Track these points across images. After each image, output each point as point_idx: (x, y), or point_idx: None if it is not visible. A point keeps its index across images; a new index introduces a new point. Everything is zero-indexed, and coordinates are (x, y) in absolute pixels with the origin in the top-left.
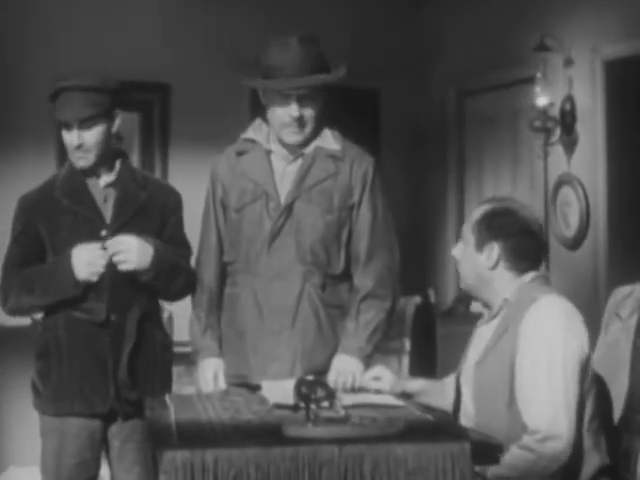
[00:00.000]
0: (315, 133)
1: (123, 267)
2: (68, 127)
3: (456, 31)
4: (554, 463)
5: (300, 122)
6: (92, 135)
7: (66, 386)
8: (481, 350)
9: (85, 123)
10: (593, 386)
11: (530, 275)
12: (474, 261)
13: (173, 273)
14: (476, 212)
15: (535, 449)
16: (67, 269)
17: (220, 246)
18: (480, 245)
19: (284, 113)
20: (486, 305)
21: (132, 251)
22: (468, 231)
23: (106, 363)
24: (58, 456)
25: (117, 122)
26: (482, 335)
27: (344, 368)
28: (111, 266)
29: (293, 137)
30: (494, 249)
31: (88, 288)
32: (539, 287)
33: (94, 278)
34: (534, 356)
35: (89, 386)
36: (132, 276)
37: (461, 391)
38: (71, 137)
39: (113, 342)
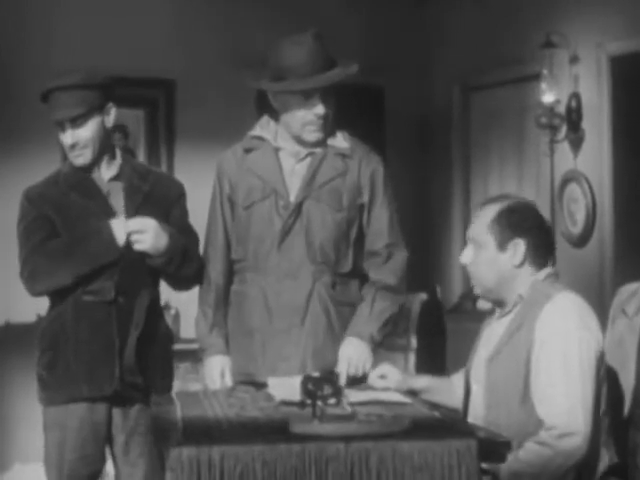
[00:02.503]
0: (331, 130)
1: (138, 247)
2: (61, 127)
3: (461, 28)
4: (570, 460)
5: (325, 119)
6: (85, 132)
7: (73, 371)
8: (493, 346)
9: (77, 121)
10: (605, 383)
11: (544, 272)
12: (496, 262)
13: (185, 260)
14: (487, 212)
15: (552, 445)
16: (109, 233)
17: (227, 243)
18: (503, 244)
19: (308, 112)
20: (499, 304)
21: (149, 233)
22: (483, 233)
23: (113, 345)
24: (61, 449)
25: (112, 116)
26: (493, 331)
27: (356, 354)
28: (125, 247)
29: (315, 135)
30: (519, 245)
31: (101, 268)
32: (552, 284)
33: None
34: (550, 352)
35: (97, 368)
36: (144, 260)
37: (470, 388)
38: (65, 137)
39: (120, 325)
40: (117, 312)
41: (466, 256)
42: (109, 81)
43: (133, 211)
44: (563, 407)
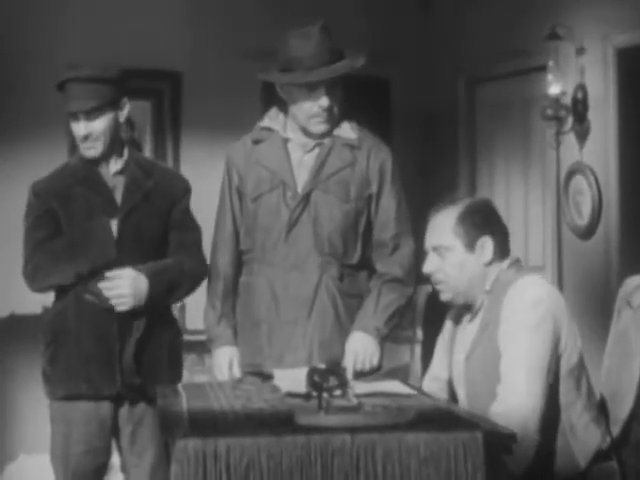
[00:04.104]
0: (337, 121)
1: (118, 308)
2: (75, 118)
3: (467, 19)
4: (510, 419)
5: (330, 112)
6: (99, 125)
7: (73, 368)
8: (469, 346)
9: (91, 114)
10: (584, 366)
11: (506, 262)
12: (465, 263)
13: (170, 293)
14: (446, 217)
15: (496, 412)
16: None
17: (236, 233)
18: (471, 244)
19: (313, 105)
20: (468, 307)
21: (127, 296)
22: (446, 238)
23: (113, 347)
24: (66, 443)
25: (125, 111)
26: (467, 333)
27: (362, 348)
28: (121, 252)
29: (321, 126)
30: (487, 243)
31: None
32: (517, 271)
33: None
34: (508, 326)
35: (96, 369)
36: (146, 262)
37: (457, 396)
38: (78, 128)
39: (121, 327)
40: (118, 314)
41: (430, 264)
42: (125, 75)
43: (129, 209)
44: (506, 372)
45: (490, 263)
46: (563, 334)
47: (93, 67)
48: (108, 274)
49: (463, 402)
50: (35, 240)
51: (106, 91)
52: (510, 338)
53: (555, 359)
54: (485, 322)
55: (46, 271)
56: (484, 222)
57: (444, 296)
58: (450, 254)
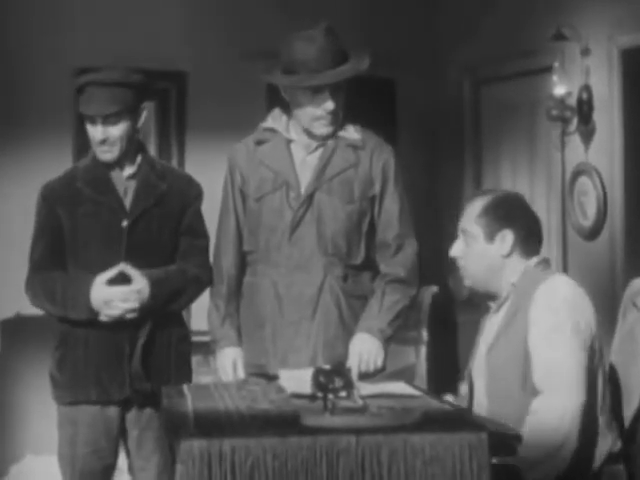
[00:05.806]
0: (341, 123)
1: (128, 316)
2: (93, 121)
3: (472, 20)
4: (559, 420)
5: (335, 114)
6: (117, 130)
7: (82, 373)
8: (492, 337)
9: (110, 119)
10: (601, 365)
11: (535, 259)
12: (485, 253)
13: (172, 300)
14: (474, 206)
15: (538, 409)
16: (85, 295)
17: (239, 234)
18: (491, 235)
19: (317, 108)
20: (492, 297)
21: (135, 310)
22: (471, 225)
23: (123, 351)
24: (73, 445)
25: (143, 117)
26: (492, 325)
27: (366, 349)
28: (130, 255)
29: (325, 129)
30: (507, 236)
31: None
32: (545, 270)
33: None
34: (545, 327)
35: (106, 374)
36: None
37: (474, 386)
38: (96, 131)
39: (130, 331)
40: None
41: (456, 249)
42: (147, 81)
43: (140, 212)
44: (550, 370)
45: (509, 255)
46: (594, 336)
47: (116, 71)
48: (125, 290)
49: (479, 393)
50: (35, 260)
51: (126, 96)
52: (549, 341)
53: (591, 359)
54: (509, 315)
55: (41, 304)
56: (506, 216)
57: (466, 282)
58: (473, 241)
